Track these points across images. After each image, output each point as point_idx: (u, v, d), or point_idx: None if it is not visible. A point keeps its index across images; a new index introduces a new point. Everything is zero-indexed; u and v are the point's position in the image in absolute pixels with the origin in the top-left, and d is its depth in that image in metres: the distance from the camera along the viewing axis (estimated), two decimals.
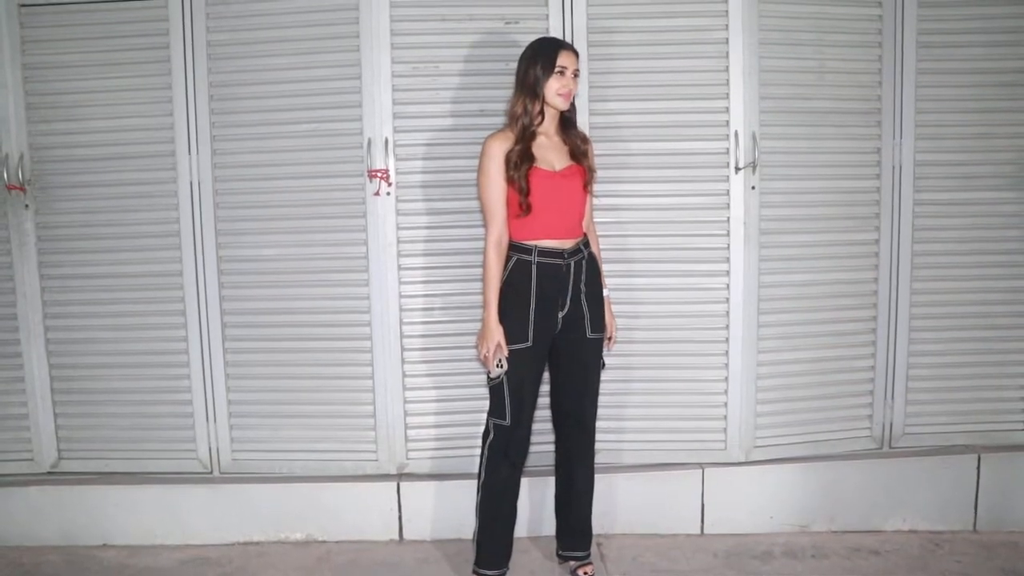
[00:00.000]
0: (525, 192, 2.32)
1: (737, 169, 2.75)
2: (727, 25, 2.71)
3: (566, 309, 2.41)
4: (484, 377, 2.74)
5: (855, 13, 2.78)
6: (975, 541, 2.81)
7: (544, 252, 2.37)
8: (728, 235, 2.78)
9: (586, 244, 2.46)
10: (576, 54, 2.38)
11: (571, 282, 2.40)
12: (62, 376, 2.88)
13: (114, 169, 2.81)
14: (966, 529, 2.88)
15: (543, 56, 2.33)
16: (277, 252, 2.81)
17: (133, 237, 2.83)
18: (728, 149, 2.75)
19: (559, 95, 2.35)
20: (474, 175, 2.66)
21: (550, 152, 2.40)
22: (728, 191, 2.77)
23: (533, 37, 2.49)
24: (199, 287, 2.82)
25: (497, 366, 2.35)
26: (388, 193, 2.76)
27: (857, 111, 2.81)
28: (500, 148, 2.34)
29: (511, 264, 2.38)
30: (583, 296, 2.42)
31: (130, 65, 2.77)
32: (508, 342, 2.35)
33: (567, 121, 2.45)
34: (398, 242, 2.78)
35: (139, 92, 2.78)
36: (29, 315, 2.85)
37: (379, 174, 2.74)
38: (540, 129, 2.39)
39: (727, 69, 2.73)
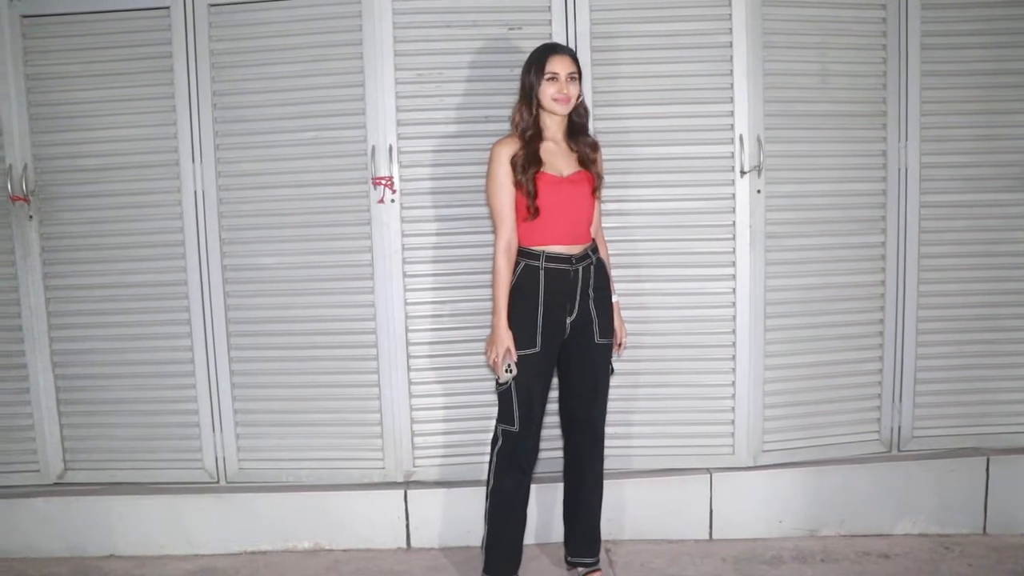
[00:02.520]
0: (533, 195, 2.31)
1: (742, 173, 2.74)
2: (731, 29, 2.71)
3: (574, 315, 2.40)
4: (491, 383, 2.74)
5: (859, 16, 2.77)
6: (985, 544, 2.80)
7: (552, 258, 2.36)
8: (734, 239, 2.77)
9: (594, 250, 2.45)
10: (571, 57, 2.37)
11: (579, 288, 2.39)
12: (67, 387, 2.88)
13: (118, 179, 2.81)
14: (976, 532, 2.87)
15: (535, 62, 2.34)
16: (281, 260, 2.80)
17: (137, 247, 2.82)
18: (733, 153, 2.74)
19: (555, 100, 2.34)
20: (479, 182, 2.66)
21: (558, 158, 2.39)
22: (734, 195, 2.76)
23: (537, 43, 2.49)
24: (204, 296, 2.81)
25: (506, 371, 2.34)
26: (393, 200, 2.75)
27: (862, 114, 2.81)
28: (507, 153, 2.34)
29: (519, 269, 2.38)
30: (591, 301, 2.42)
31: (133, 75, 2.77)
32: (516, 347, 2.34)
33: (577, 127, 2.44)
34: (403, 249, 2.78)
35: (142, 101, 2.78)
36: (34, 326, 2.84)
37: (383, 181, 2.74)
38: (547, 135, 2.38)
39: (731, 73, 2.72)
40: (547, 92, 2.33)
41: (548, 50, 2.36)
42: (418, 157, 2.76)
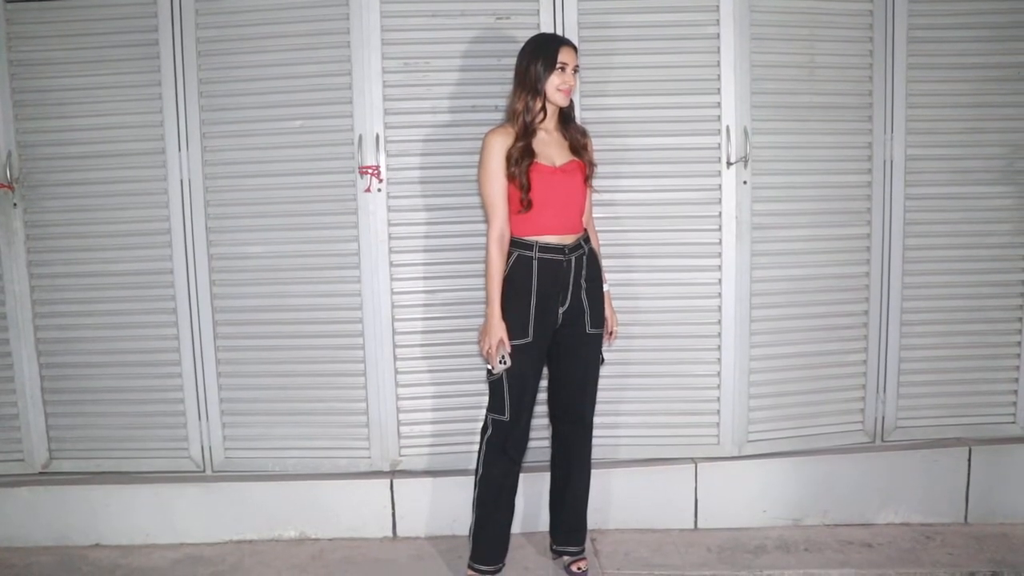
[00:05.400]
0: (526, 188, 2.31)
1: (729, 164, 2.75)
2: (718, 20, 2.71)
3: (566, 305, 2.40)
4: (476, 373, 2.75)
5: (846, 8, 2.78)
6: (966, 533, 2.83)
7: (545, 248, 2.36)
8: (720, 230, 2.78)
9: (586, 240, 2.46)
10: (575, 50, 2.38)
11: (571, 278, 2.40)
12: (53, 375, 2.87)
13: (103, 167, 2.79)
14: (957, 521, 2.90)
15: (544, 53, 2.33)
16: (268, 249, 2.80)
17: (123, 235, 2.81)
18: (720, 144, 2.75)
19: (560, 91, 2.34)
20: (466, 171, 2.67)
21: (551, 148, 2.39)
22: (720, 186, 2.77)
23: (525, 32, 2.49)
24: (190, 285, 2.80)
25: (500, 362, 2.34)
26: (379, 189, 2.75)
27: (848, 106, 2.82)
28: (501, 144, 2.33)
29: (512, 260, 2.37)
30: (583, 292, 2.42)
31: (119, 62, 2.75)
32: (509, 338, 2.34)
33: (566, 116, 2.45)
34: (389, 238, 2.77)
35: (128, 89, 2.76)
36: (18, 314, 2.83)
37: (370, 170, 2.73)
38: (541, 125, 2.38)
39: (718, 64, 2.73)
40: (553, 83, 2.33)
41: (559, 41, 2.36)
42: (405, 146, 2.75)
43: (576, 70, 2.37)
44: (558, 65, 2.32)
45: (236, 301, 2.82)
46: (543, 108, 2.36)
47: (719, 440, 2.86)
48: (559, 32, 2.67)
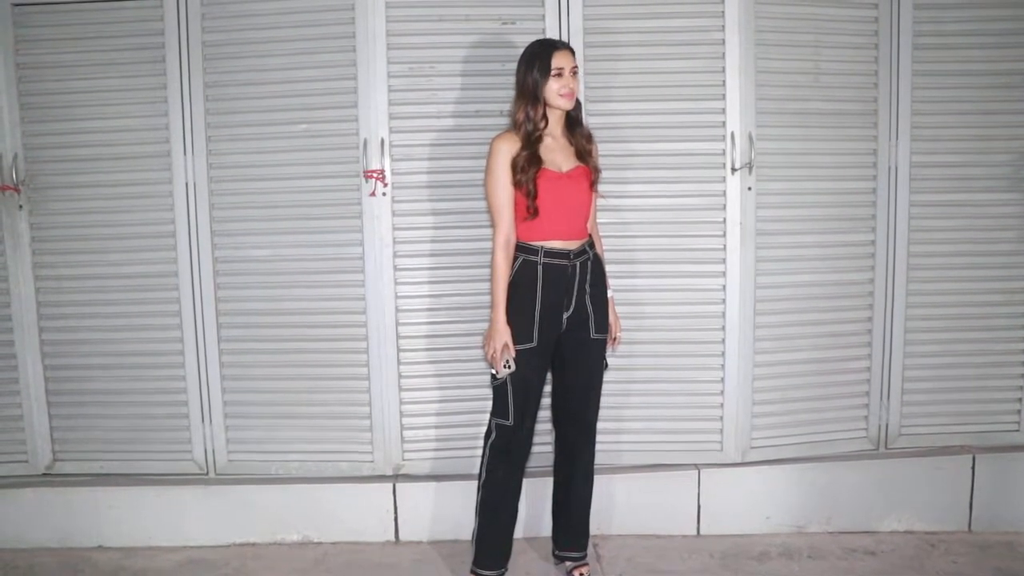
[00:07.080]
0: (533, 196, 2.31)
1: (733, 170, 2.75)
2: (723, 26, 2.71)
3: (571, 310, 2.40)
4: (480, 377, 2.75)
5: (851, 15, 2.78)
6: (970, 541, 2.82)
7: (550, 253, 2.36)
8: (724, 236, 2.78)
9: (591, 245, 2.46)
10: (572, 52, 2.37)
11: (576, 283, 2.39)
12: (57, 377, 2.87)
13: (109, 170, 2.80)
14: (961, 529, 2.89)
15: (539, 60, 2.32)
16: (272, 253, 2.80)
17: (128, 238, 2.82)
18: (724, 150, 2.75)
19: (561, 96, 2.34)
20: (470, 176, 2.67)
21: (557, 153, 2.39)
22: (724, 192, 2.77)
23: (530, 38, 2.49)
24: (194, 288, 2.81)
25: (504, 366, 2.34)
26: (384, 193, 2.75)
27: (853, 112, 2.82)
28: (508, 150, 2.33)
29: (517, 264, 2.37)
30: (588, 297, 2.42)
31: (125, 65, 2.76)
32: (514, 342, 2.34)
33: (572, 120, 2.44)
34: (394, 242, 2.78)
35: (134, 92, 2.77)
36: (23, 316, 2.84)
37: (375, 174, 2.74)
38: (546, 131, 2.37)
39: (723, 70, 2.73)
40: (552, 88, 2.32)
41: (551, 46, 2.35)
42: (410, 151, 2.76)
43: (575, 72, 2.36)
44: (553, 71, 2.31)
45: (240, 304, 2.83)
46: (544, 116, 2.35)
47: (722, 446, 2.85)
48: (564, 37, 2.68)
